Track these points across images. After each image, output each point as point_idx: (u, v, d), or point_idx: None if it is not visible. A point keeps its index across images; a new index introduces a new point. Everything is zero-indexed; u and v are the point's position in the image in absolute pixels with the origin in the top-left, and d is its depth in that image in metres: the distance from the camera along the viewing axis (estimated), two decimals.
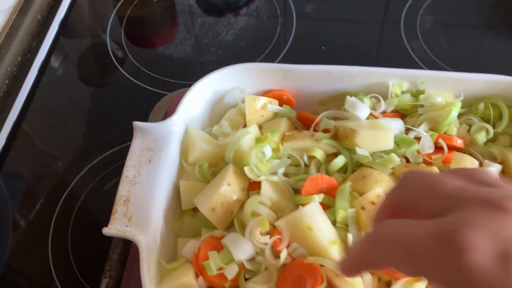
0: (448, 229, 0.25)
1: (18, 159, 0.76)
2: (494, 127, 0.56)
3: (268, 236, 0.48)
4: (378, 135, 0.53)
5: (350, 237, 0.48)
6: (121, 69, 0.79)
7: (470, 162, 0.53)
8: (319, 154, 0.54)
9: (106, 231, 0.48)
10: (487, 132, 0.55)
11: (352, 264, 0.31)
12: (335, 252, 0.46)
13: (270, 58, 0.77)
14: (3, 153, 0.74)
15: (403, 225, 0.27)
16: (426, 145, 0.54)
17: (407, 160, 0.54)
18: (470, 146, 0.56)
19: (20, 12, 0.78)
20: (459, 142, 0.55)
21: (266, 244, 0.48)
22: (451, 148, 0.55)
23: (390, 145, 0.53)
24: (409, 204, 0.29)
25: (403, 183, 0.30)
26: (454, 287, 0.25)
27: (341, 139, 0.55)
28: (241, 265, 0.48)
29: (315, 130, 0.58)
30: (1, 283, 0.61)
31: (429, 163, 0.53)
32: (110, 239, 0.57)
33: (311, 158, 0.55)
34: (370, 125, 0.55)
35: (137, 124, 0.55)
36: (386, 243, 0.27)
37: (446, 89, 0.58)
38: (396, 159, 0.52)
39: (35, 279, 0.61)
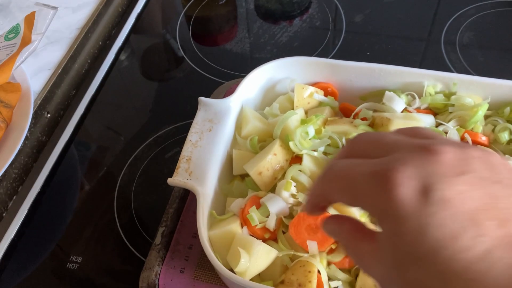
0: (383, 167, 0.28)
1: (88, 131, 0.87)
2: None
3: (296, 199, 0.56)
4: (409, 124, 0.60)
5: None
6: (186, 59, 0.90)
7: None
8: None
9: (170, 180, 0.58)
10: (511, 132, 0.61)
11: (309, 199, 0.34)
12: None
13: (319, 57, 0.86)
14: (79, 124, 0.85)
15: (350, 163, 0.31)
16: (453, 137, 0.60)
17: None
18: (494, 144, 0.62)
19: (106, 3, 0.90)
20: (483, 139, 0.61)
21: (291, 204, 0.56)
22: (476, 143, 0.61)
23: None
24: (358, 154, 0.32)
25: (354, 140, 0.34)
26: (382, 217, 0.28)
27: (377, 127, 0.63)
28: (279, 220, 0.56)
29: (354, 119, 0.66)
30: (69, 229, 0.72)
31: None
32: (168, 196, 0.66)
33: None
34: (404, 116, 0.62)
35: (202, 99, 0.65)
36: (333, 178, 0.31)
37: (476, 92, 0.65)
38: None
39: (101, 223, 0.71)
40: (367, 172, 0.29)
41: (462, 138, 0.61)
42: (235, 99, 0.65)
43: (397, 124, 0.60)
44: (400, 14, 0.93)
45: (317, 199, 0.34)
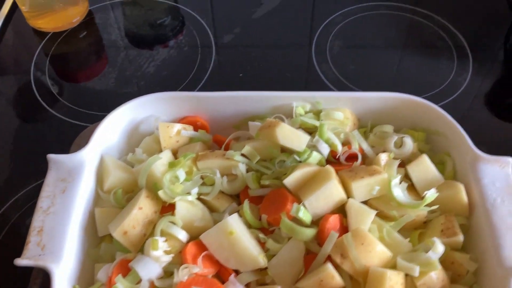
0: None
1: None
2: None
3: (171, 255, 0.51)
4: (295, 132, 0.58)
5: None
6: (44, 105, 0.80)
7: None
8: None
9: (18, 261, 0.49)
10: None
11: None
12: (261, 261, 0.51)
13: (191, 86, 0.81)
14: None
15: None
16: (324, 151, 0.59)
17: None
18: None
19: None
20: (355, 150, 0.60)
21: (166, 262, 0.51)
22: (350, 154, 0.60)
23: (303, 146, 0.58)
24: None
25: None
26: None
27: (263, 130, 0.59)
28: (152, 285, 0.50)
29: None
30: None
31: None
32: (30, 271, 0.58)
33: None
34: None
35: (51, 156, 0.57)
36: None
37: (346, 106, 0.63)
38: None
39: None
40: None
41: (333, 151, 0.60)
42: (89, 151, 0.58)
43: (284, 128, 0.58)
44: (269, 31, 0.91)
45: None
